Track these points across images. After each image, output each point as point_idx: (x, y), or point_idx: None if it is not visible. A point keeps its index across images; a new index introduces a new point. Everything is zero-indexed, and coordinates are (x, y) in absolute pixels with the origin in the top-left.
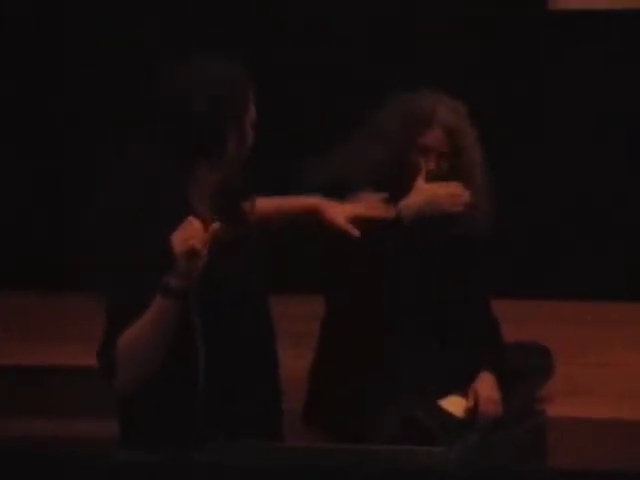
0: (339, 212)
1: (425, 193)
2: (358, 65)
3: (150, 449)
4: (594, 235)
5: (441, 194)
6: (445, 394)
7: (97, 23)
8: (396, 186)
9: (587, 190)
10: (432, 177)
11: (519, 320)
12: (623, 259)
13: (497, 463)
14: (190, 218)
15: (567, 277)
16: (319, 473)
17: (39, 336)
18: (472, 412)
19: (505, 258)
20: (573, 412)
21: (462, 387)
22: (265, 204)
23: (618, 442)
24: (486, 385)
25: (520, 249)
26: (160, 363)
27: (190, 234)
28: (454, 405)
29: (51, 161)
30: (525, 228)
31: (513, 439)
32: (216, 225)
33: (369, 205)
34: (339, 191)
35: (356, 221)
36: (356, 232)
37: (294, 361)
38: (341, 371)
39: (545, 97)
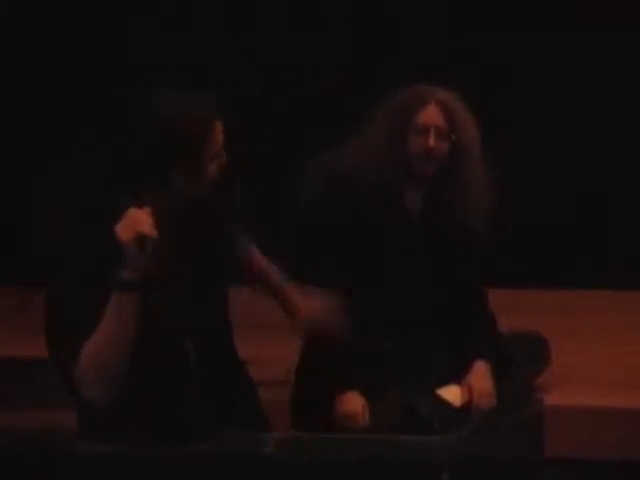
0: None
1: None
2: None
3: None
4: (589, 224)
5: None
6: (443, 384)
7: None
8: (397, 174)
9: (583, 178)
10: None
11: (515, 309)
12: (619, 248)
13: (494, 452)
14: (130, 209)
15: (563, 266)
16: (316, 463)
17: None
18: (467, 405)
19: (501, 248)
20: (570, 401)
21: (459, 377)
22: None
23: (615, 431)
24: (479, 377)
25: (516, 238)
26: (128, 365)
27: (133, 222)
28: (452, 394)
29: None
30: (520, 218)
31: (510, 428)
32: (149, 208)
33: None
34: (345, 182)
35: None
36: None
37: None
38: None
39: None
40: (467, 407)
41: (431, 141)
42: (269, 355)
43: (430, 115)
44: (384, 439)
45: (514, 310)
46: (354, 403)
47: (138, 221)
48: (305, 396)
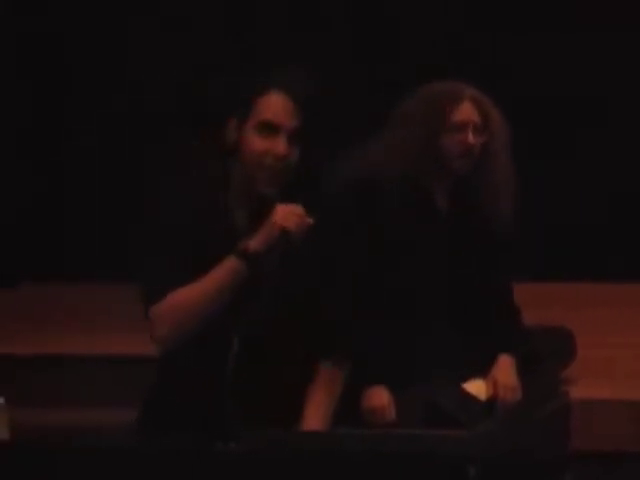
0: None
1: None
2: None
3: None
4: (615, 217)
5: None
6: (468, 378)
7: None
8: (428, 173)
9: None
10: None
11: (542, 303)
12: None
13: (520, 446)
14: (298, 206)
15: (589, 259)
16: (342, 457)
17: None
18: (492, 399)
19: (527, 241)
20: (596, 394)
21: (484, 371)
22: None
23: None
24: (504, 371)
25: (542, 232)
26: (204, 325)
27: (292, 215)
28: (477, 388)
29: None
30: (546, 211)
31: (537, 421)
32: (311, 220)
33: None
34: (372, 184)
35: None
36: None
37: None
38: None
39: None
40: (492, 401)
41: (470, 138)
42: None
43: (467, 112)
44: (410, 433)
45: (540, 304)
46: (380, 397)
47: (295, 218)
48: None
